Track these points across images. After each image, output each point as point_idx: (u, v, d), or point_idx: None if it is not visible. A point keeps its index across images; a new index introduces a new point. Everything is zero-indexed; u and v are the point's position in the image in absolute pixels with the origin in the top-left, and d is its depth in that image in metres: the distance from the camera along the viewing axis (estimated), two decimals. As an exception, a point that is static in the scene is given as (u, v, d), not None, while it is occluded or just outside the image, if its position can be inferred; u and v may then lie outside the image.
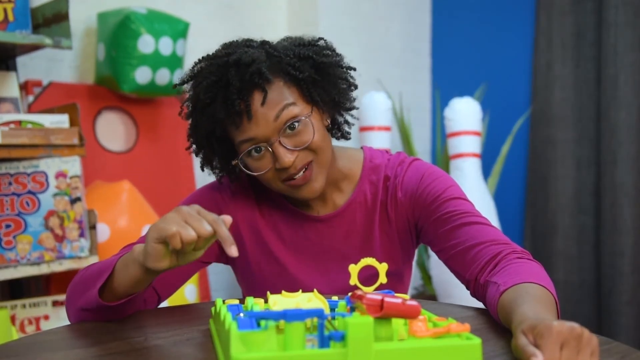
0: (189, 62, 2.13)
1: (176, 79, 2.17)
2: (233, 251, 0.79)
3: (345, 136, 1.18)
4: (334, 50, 1.12)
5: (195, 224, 0.80)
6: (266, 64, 1.03)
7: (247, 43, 1.10)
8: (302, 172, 1.06)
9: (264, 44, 1.10)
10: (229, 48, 1.07)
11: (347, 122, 1.17)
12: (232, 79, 1.01)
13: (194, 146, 1.14)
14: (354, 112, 1.18)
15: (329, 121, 1.12)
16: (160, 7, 2.34)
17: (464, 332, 0.68)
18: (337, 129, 1.17)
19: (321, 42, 1.12)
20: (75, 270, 1.87)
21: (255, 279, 1.19)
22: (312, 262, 1.17)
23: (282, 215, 1.17)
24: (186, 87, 1.11)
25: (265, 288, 1.11)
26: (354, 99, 1.15)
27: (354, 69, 1.14)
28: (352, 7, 2.94)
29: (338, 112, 1.14)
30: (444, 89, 3.26)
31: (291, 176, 1.05)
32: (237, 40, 1.10)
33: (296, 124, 1.03)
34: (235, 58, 1.03)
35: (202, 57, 1.10)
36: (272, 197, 1.17)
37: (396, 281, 1.20)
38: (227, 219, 0.83)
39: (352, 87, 1.14)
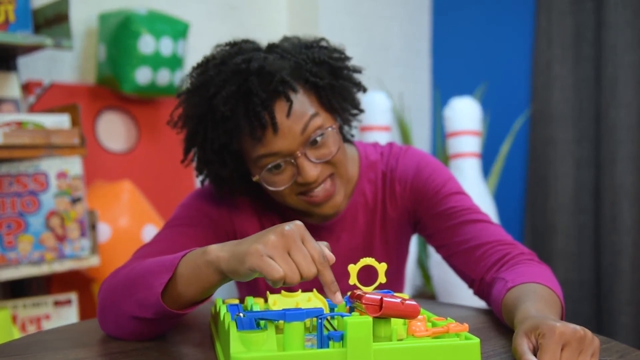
0: (189, 63, 2.13)
1: (177, 79, 2.18)
2: (337, 298, 0.71)
3: (348, 139, 1.15)
4: (343, 52, 1.07)
5: (302, 262, 0.70)
6: (288, 72, 0.97)
7: (256, 47, 1.03)
8: (323, 186, 1.00)
9: (272, 47, 1.02)
10: (241, 53, 1.00)
11: (349, 124, 1.13)
12: (254, 89, 0.94)
13: (196, 160, 1.06)
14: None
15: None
16: (160, 7, 2.34)
17: (463, 332, 0.68)
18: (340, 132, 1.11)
19: (324, 43, 1.06)
20: (77, 270, 1.87)
21: (259, 289, 1.18)
22: None
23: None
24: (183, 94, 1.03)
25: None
26: (360, 102, 1.11)
27: (360, 71, 1.09)
28: (352, 7, 2.94)
29: (346, 117, 1.09)
30: (444, 89, 3.26)
31: (311, 190, 1.00)
32: (243, 43, 1.03)
33: (320, 136, 0.98)
34: (257, 66, 0.95)
35: (204, 62, 1.02)
36: (272, 205, 1.13)
37: (395, 279, 1.20)
38: (332, 257, 0.74)
39: (362, 91, 1.09)
